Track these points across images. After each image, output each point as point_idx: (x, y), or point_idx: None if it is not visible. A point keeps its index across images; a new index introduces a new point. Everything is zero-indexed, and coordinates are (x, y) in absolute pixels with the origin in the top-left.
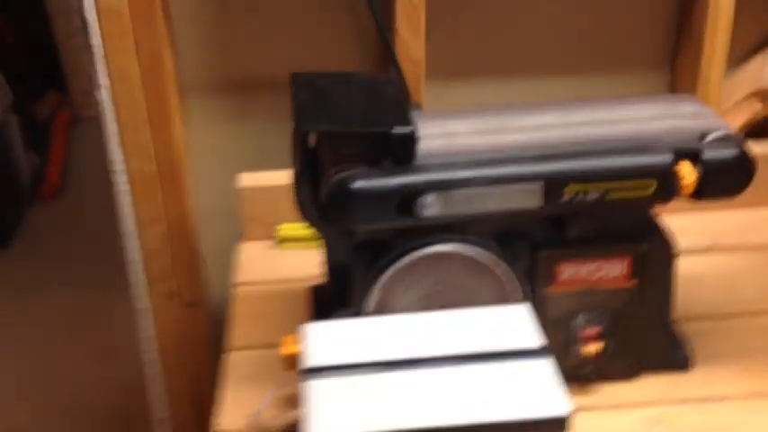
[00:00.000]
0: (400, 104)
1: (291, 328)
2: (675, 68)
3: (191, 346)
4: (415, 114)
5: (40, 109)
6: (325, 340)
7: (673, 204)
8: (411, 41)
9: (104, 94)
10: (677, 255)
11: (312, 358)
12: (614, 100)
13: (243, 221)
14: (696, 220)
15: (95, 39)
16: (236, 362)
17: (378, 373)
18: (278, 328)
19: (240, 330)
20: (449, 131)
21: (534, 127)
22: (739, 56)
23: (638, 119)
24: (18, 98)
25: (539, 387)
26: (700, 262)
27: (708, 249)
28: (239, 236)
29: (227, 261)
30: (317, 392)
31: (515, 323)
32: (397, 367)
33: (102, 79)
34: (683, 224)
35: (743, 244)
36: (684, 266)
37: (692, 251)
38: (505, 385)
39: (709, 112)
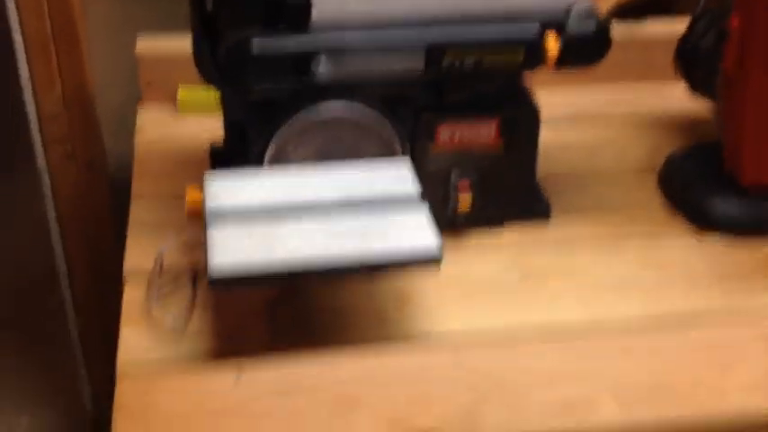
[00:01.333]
0: None
1: (193, 182)
2: None
3: (90, 206)
4: None
5: None
6: (225, 188)
7: (545, 78)
8: None
9: None
10: (541, 120)
11: (213, 204)
12: None
13: (141, 86)
14: (564, 93)
15: None
16: (141, 210)
17: (272, 217)
18: (181, 182)
19: (143, 184)
20: None
21: None
22: None
23: None
24: None
25: (415, 229)
26: (565, 130)
27: (572, 119)
28: (138, 101)
29: (126, 126)
30: (218, 234)
31: (397, 175)
32: (289, 212)
33: None
34: (553, 98)
35: (605, 115)
36: (551, 134)
37: (559, 120)
38: (385, 227)
39: None
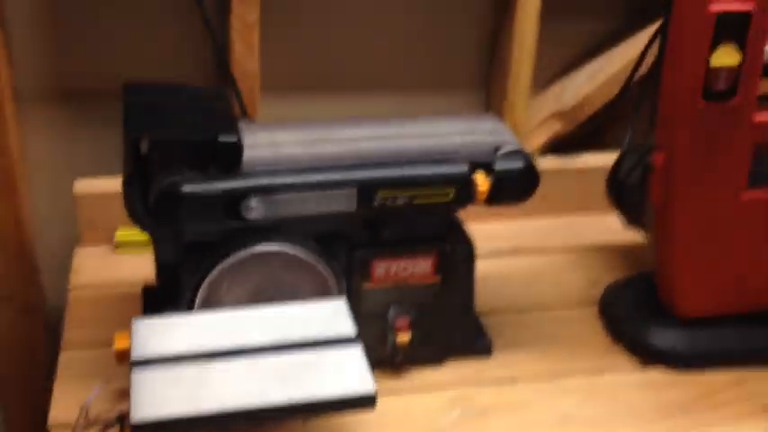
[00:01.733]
0: (227, 115)
1: (125, 326)
2: (489, 91)
3: (26, 350)
4: (244, 125)
5: None
6: (154, 334)
7: (481, 213)
8: (246, 57)
9: None
10: (477, 254)
11: (139, 351)
12: (425, 117)
13: (80, 227)
14: (502, 227)
15: None
16: (71, 360)
17: (200, 362)
18: (112, 328)
19: (75, 332)
20: (275, 142)
21: (352, 139)
22: (544, 80)
23: (443, 134)
24: None
25: (349, 370)
26: (504, 263)
27: (512, 252)
28: (77, 241)
29: (65, 266)
30: (143, 381)
31: (332, 315)
32: (219, 357)
33: None
34: (490, 231)
35: (543, 247)
36: (490, 267)
37: (498, 253)
38: (319, 369)
39: (504, 129)
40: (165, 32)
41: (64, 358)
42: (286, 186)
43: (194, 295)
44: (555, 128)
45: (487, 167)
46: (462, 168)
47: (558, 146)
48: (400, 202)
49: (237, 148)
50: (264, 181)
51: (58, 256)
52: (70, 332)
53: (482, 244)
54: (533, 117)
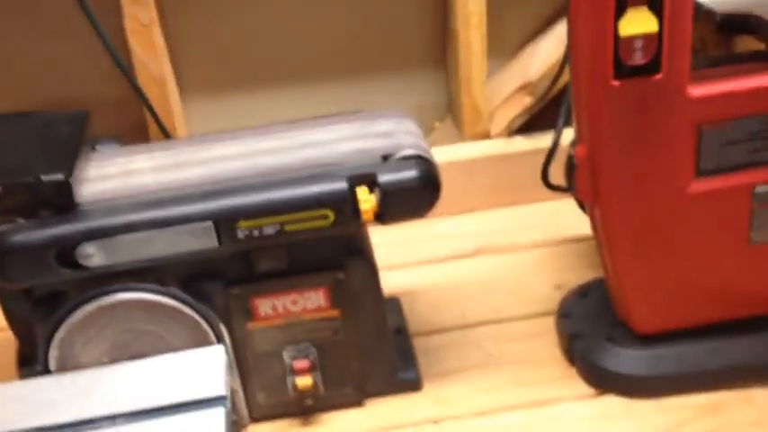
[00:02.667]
0: (70, 146)
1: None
2: (447, 70)
3: None
4: (103, 151)
5: None
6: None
7: (444, 206)
8: (149, 61)
9: None
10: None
11: None
12: (315, 120)
13: None
14: (467, 222)
15: None
16: None
17: None
18: None
19: None
20: (129, 170)
21: (216, 159)
22: (508, 52)
23: (328, 141)
24: None
25: None
26: (464, 267)
27: (474, 253)
28: None
29: None
30: None
31: (203, 369)
32: (65, 431)
33: None
34: (453, 226)
35: (509, 244)
36: (446, 274)
37: (458, 255)
38: None
39: (406, 129)
40: (69, 45)
41: None
42: (125, 227)
43: (47, 354)
44: (524, 102)
45: (372, 180)
46: (339, 185)
47: (530, 123)
48: (270, 231)
49: (66, 186)
50: (100, 222)
51: None
52: None
53: (442, 244)
54: (499, 91)
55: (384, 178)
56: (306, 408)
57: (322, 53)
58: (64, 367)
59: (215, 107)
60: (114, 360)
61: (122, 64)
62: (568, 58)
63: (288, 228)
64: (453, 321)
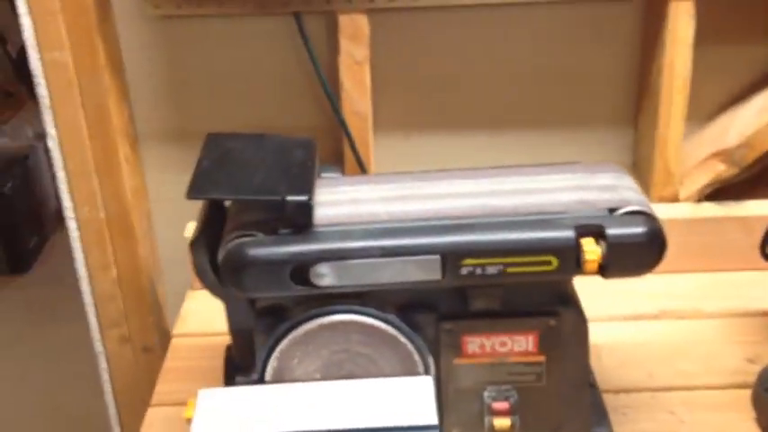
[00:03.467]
0: (305, 169)
1: (214, 384)
2: (638, 129)
3: (147, 391)
4: (328, 178)
5: None
6: (218, 408)
7: None
8: (356, 96)
9: (51, 143)
10: (614, 316)
11: (201, 427)
12: (535, 167)
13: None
14: (646, 283)
15: (41, 89)
16: (156, 418)
17: None
18: (204, 384)
19: (167, 386)
20: (356, 198)
21: (441, 195)
22: (703, 116)
23: (549, 190)
24: None
25: None
26: (644, 329)
27: (657, 316)
28: (189, 285)
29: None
30: None
31: (413, 397)
32: None
33: (50, 128)
34: (631, 287)
35: (694, 311)
36: (626, 333)
37: (638, 316)
38: None
39: (627, 184)
40: (277, 73)
41: (150, 415)
42: (358, 251)
43: (265, 365)
44: (717, 169)
45: (599, 232)
46: (566, 233)
47: (721, 190)
48: (492, 271)
49: (307, 208)
50: (335, 245)
51: (182, 296)
52: (162, 385)
53: (620, 303)
54: (691, 157)
55: (612, 231)
56: None
57: (511, 101)
58: (279, 379)
59: (402, 147)
60: (325, 378)
61: (333, 96)
62: None
63: (509, 270)
64: (641, 382)
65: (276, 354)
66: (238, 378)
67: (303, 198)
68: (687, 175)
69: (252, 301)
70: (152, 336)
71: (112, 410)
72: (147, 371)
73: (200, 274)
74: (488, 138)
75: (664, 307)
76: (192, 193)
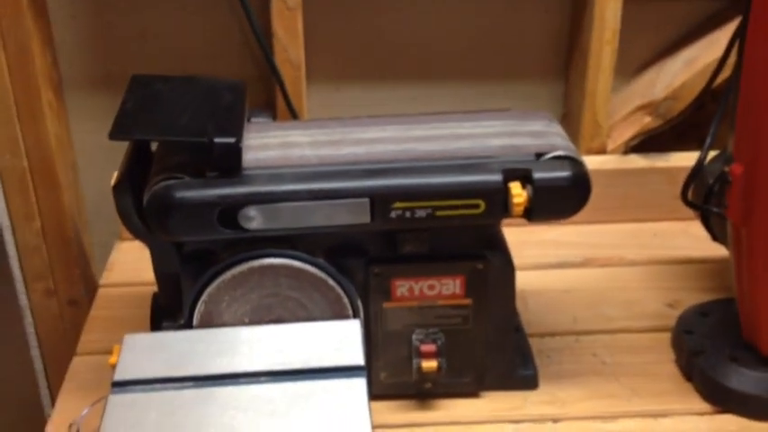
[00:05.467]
0: (234, 112)
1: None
2: (568, 81)
3: (73, 344)
4: (258, 123)
5: None
6: (142, 352)
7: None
8: (289, 44)
9: None
10: (542, 264)
11: (123, 371)
12: (466, 113)
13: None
14: (573, 231)
15: None
16: (81, 367)
17: (185, 389)
18: (129, 332)
19: (93, 335)
20: (287, 142)
21: (372, 140)
22: (631, 70)
23: (479, 135)
24: None
25: (345, 408)
26: (570, 276)
27: (582, 264)
28: (117, 236)
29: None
30: (118, 407)
31: (341, 340)
32: (206, 383)
33: None
34: (559, 235)
35: (618, 258)
36: (553, 279)
37: (566, 264)
38: (313, 404)
39: (555, 131)
40: (210, 18)
41: (75, 363)
42: (288, 194)
43: (192, 309)
44: (643, 122)
45: (526, 176)
46: (494, 177)
47: (647, 143)
48: (421, 214)
49: (236, 150)
50: (264, 188)
51: (109, 247)
52: (87, 335)
53: (547, 251)
54: (619, 109)
55: (538, 175)
56: (424, 391)
57: (443, 54)
58: (206, 324)
59: (335, 97)
60: (254, 322)
61: (265, 44)
62: (735, 77)
63: (438, 213)
64: (565, 326)
65: (204, 298)
66: (165, 323)
67: (231, 140)
68: (614, 128)
69: (178, 246)
70: (78, 288)
71: (39, 365)
72: (74, 324)
73: (124, 218)
74: (419, 89)
75: (588, 255)
76: (116, 133)
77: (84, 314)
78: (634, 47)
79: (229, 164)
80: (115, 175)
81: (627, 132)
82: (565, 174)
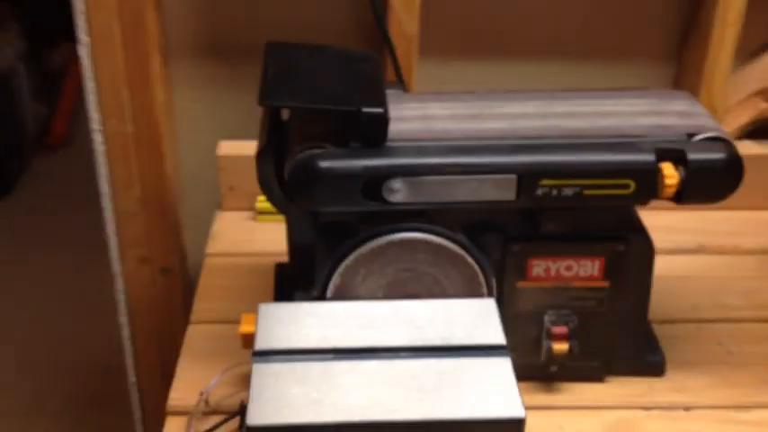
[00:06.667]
0: (374, 83)
1: (257, 304)
2: (682, 62)
3: (163, 312)
4: (392, 94)
5: (53, 59)
6: (280, 322)
7: (663, 203)
8: (404, 16)
9: (83, 51)
10: (655, 257)
11: (263, 340)
12: (604, 91)
13: (222, 191)
14: (683, 217)
15: None
16: (198, 335)
17: (328, 360)
18: (244, 303)
19: (206, 303)
20: (426, 114)
21: (515, 115)
22: (748, 53)
23: (625, 113)
24: (31, 47)
25: (494, 387)
26: (687, 262)
27: (697, 250)
28: (218, 206)
29: (207, 230)
30: (263, 377)
31: (479, 318)
32: (349, 356)
33: (82, 35)
34: (669, 221)
35: (733, 246)
36: (670, 266)
37: (681, 251)
38: (460, 382)
39: (701, 111)
40: None
41: (191, 332)
42: (433, 168)
43: (327, 281)
44: (759, 107)
45: (679, 157)
46: (647, 157)
47: (763, 129)
48: (568, 193)
49: (383, 121)
50: (410, 161)
51: (203, 217)
52: (200, 303)
53: (661, 236)
54: (734, 94)
55: (693, 156)
56: (549, 374)
57: (556, 33)
58: (341, 296)
59: (445, 73)
60: (388, 297)
61: (381, 14)
62: None
63: (586, 192)
64: (686, 313)
65: (340, 270)
66: (297, 294)
67: (379, 110)
68: (729, 112)
69: (314, 216)
70: (172, 257)
71: (126, 332)
72: (165, 293)
73: (264, 186)
74: (529, 67)
75: (703, 242)
76: (266, 99)
77: (175, 283)
78: (752, 27)
79: (376, 135)
80: (216, 150)
81: (742, 118)
82: (720, 156)
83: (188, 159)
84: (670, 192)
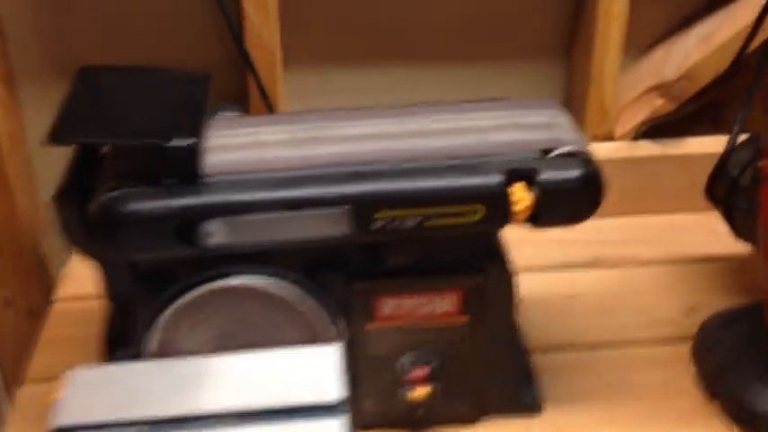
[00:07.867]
0: (197, 109)
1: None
2: (571, 60)
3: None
4: (225, 119)
5: None
6: (90, 389)
7: None
8: (261, 27)
9: None
10: (543, 266)
11: (66, 414)
12: (468, 103)
13: None
14: (582, 227)
15: None
16: (28, 398)
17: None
18: (86, 356)
19: (43, 357)
20: (257, 141)
21: (357, 137)
22: (641, 49)
23: (482, 129)
24: None
25: None
26: (575, 279)
27: (590, 264)
28: None
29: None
30: None
31: (317, 369)
32: (164, 426)
33: None
34: (562, 233)
35: (630, 258)
36: (559, 284)
37: (572, 265)
38: None
39: (564, 123)
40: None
41: (20, 395)
42: (254, 205)
43: (146, 336)
44: (655, 104)
45: (531, 177)
46: (493, 179)
47: (659, 127)
48: (410, 224)
49: (192, 153)
50: (227, 198)
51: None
52: (38, 358)
53: (550, 252)
54: (628, 91)
55: (545, 176)
56: (416, 420)
57: (437, 35)
58: (164, 352)
59: (317, 83)
60: (219, 349)
61: (235, 25)
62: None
63: (429, 223)
64: (572, 339)
65: (160, 324)
66: (117, 352)
67: (187, 142)
68: (623, 112)
69: (132, 264)
70: (36, 297)
71: None
72: (33, 337)
73: (66, 232)
74: (409, 72)
75: (598, 254)
76: (54, 137)
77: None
78: (642, 22)
79: (185, 169)
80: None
81: (636, 117)
82: (575, 173)
83: (47, 189)
84: (521, 216)
